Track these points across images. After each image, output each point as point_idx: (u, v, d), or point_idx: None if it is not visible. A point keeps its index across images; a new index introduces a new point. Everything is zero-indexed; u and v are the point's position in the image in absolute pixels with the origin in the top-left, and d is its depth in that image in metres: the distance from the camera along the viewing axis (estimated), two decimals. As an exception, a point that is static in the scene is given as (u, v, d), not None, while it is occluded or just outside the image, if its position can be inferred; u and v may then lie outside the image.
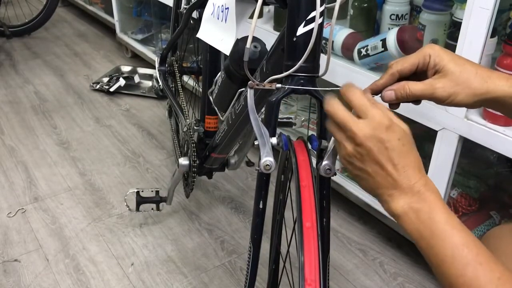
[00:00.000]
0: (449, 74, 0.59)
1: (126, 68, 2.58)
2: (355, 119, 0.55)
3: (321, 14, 0.65)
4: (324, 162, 0.67)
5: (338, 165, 1.55)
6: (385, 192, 0.55)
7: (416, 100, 0.63)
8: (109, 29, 3.05)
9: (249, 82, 0.71)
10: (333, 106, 0.57)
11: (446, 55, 0.60)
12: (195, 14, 1.31)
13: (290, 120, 0.97)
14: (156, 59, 1.62)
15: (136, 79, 2.46)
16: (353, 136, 0.55)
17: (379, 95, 0.64)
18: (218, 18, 0.96)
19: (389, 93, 0.62)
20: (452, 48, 1.11)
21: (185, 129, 1.37)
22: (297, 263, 0.59)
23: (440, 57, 0.60)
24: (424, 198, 0.53)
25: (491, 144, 1.05)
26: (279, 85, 0.69)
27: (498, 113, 0.75)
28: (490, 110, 1.03)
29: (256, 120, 0.68)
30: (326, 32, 1.19)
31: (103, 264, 1.38)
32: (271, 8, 1.59)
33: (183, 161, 1.34)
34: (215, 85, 1.16)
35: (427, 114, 1.13)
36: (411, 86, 0.60)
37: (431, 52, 0.61)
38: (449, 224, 0.51)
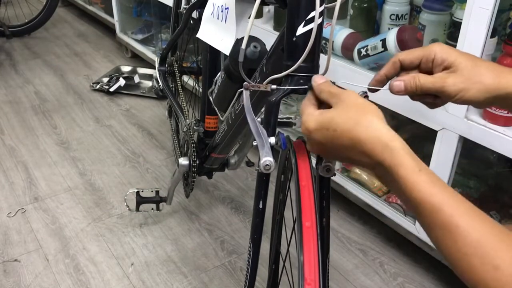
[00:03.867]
0: (460, 69, 0.57)
1: (126, 68, 2.58)
2: (323, 111, 0.57)
3: (321, 14, 0.65)
4: (324, 162, 0.67)
5: (338, 165, 1.55)
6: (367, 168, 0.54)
7: (427, 96, 0.61)
8: (109, 29, 3.05)
9: (244, 83, 0.71)
10: (303, 105, 0.60)
11: (453, 51, 0.59)
12: (195, 14, 1.31)
13: (290, 120, 0.97)
14: (156, 59, 1.62)
15: (136, 79, 2.47)
16: (318, 130, 0.56)
17: (387, 86, 0.62)
18: (218, 18, 0.96)
19: (398, 83, 0.59)
20: (452, 48, 1.11)
21: (185, 129, 1.37)
22: (297, 263, 0.59)
23: (448, 53, 0.58)
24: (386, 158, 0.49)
25: (491, 144, 1.05)
26: (274, 87, 0.69)
27: (506, 113, 0.72)
28: (491, 110, 1.03)
29: (253, 121, 0.68)
30: (326, 32, 1.19)
31: (103, 264, 1.38)
32: (271, 8, 1.59)
33: (183, 161, 1.34)
34: (215, 85, 1.16)
35: (427, 114, 1.13)
36: (421, 78, 0.58)
37: (438, 49, 0.59)
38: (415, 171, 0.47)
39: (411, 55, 0.61)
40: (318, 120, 0.55)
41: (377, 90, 0.64)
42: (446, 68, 0.58)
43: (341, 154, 0.54)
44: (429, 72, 0.61)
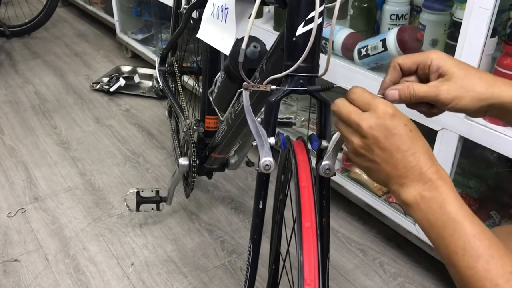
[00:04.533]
0: (454, 77, 0.58)
1: (126, 68, 2.58)
2: (360, 112, 0.56)
3: (321, 14, 0.65)
4: (324, 162, 0.67)
5: (338, 165, 1.55)
6: (396, 181, 0.54)
7: (422, 105, 0.62)
8: (109, 29, 3.05)
9: (243, 84, 0.71)
10: (338, 103, 0.58)
11: (449, 60, 0.60)
12: (195, 14, 1.31)
13: (290, 120, 0.97)
14: (156, 59, 1.62)
15: (136, 79, 2.47)
16: (358, 128, 0.55)
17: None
18: (218, 18, 0.96)
19: (393, 92, 0.61)
20: (452, 48, 1.11)
21: (185, 129, 1.37)
22: (297, 263, 0.59)
23: (444, 61, 0.60)
24: (435, 186, 0.52)
25: (491, 144, 1.05)
26: (273, 87, 0.69)
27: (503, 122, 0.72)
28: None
29: (253, 121, 0.68)
30: (326, 32, 1.19)
31: (103, 264, 1.38)
32: (271, 8, 1.59)
33: (183, 161, 1.34)
34: (215, 85, 1.16)
35: (427, 114, 1.13)
36: (415, 87, 0.60)
37: (434, 56, 0.60)
38: (461, 214, 0.50)
39: (408, 60, 0.62)
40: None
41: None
42: (441, 75, 0.60)
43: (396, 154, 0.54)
44: (426, 77, 0.62)
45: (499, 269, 0.47)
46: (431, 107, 0.62)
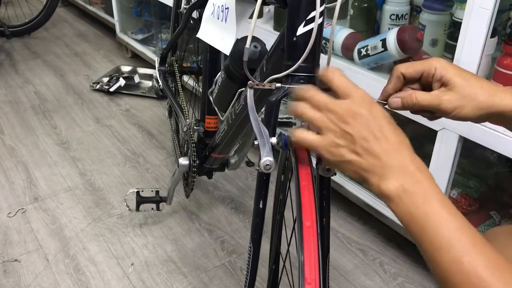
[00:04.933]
0: (456, 87, 0.60)
1: (126, 68, 2.58)
2: (337, 100, 0.55)
3: (321, 14, 0.65)
4: (324, 162, 0.66)
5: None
6: (377, 172, 0.52)
7: (425, 111, 0.63)
8: (109, 29, 3.05)
9: (248, 82, 0.71)
10: (310, 90, 0.57)
11: (451, 69, 0.61)
12: (195, 14, 1.31)
13: (290, 120, 0.97)
14: (156, 59, 1.62)
15: (136, 79, 2.47)
16: (336, 115, 0.54)
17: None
18: (218, 18, 0.96)
19: (396, 100, 0.62)
20: (452, 48, 1.11)
21: (185, 129, 1.37)
22: (297, 263, 0.59)
23: (446, 70, 0.61)
24: (418, 179, 0.51)
25: (491, 144, 1.05)
26: (279, 85, 0.69)
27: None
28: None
29: (256, 120, 0.68)
30: (326, 32, 1.19)
31: (103, 264, 1.38)
32: (271, 8, 1.59)
33: (183, 161, 1.34)
34: (215, 85, 1.16)
35: (427, 114, 1.13)
36: (418, 95, 0.61)
37: (437, 65, 0.61)
38: (444, 208, 0.49)
39: (412, 70, 0.63)
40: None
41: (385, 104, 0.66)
42: (443, 84, 0.61)
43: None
44: (429, 85, 0.63)
45: (484, 263, 0.46)
46: (432, 113, 0.63)
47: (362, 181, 0.55)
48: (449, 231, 0.48)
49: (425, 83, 0.63)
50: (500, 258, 0.47)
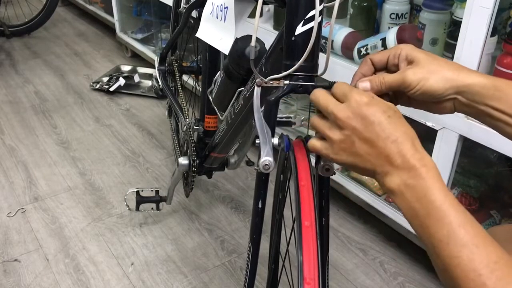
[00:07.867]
0: (421, 62, 0.60)
1: (126, 68, 2.58)
2: (337, 103, 0.56)
3: (320, 13, 0.65)
4: (323, 162, 0.66)
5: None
6: (381, 170, 0.53)
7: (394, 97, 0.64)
8: (109, 29, 3.05)
9: (256, 80, 0.70)
10: (316, 93, 0.59)
11: (418, 50, 0.61)
12: (194, 14, 1.30)
13: (290, 119, 0.97)
14: (155, 59, 1.61)
15: (136, 78, 2.46)
16: (335, 120, 0.55)
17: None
18: (217, 18, 0.96)
19: (365, 84, 0.62)
20: (452, 47, 1.11)
21: (184, 129, 1.37)
22: (297, 262, 0.59)
23: (413, 49, 0.61)
24: (419, 174, 0.51)
25: (491, 143, 1.04)
26: (287, 82, 0.69)
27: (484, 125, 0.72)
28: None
29: (260, 119, 0.68)
30: (325, 31, 1.19)
31: (103, 264, 1.38)
32: (271, 7, 1.59)
33: (183, 160, 1.34)
34: (214, 85, 1.15)
35: (428, 113, 1.13)
36: (385, 76, 0.61)
37: (404, 47, 0.62)
38: (446, 203, 0.49)
39: (378, 54, 0.64)
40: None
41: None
42: (409, 62, 0.61)
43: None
44: (397, 70, 0.63)
45: (484, 259, 0.46)
46: (408, 99, 0.64)
47: (373, 178, 0.56)
48: (450, 225, 0.48)
49: (393, 68, 0.64)
50: (502, 254, 0.47)
